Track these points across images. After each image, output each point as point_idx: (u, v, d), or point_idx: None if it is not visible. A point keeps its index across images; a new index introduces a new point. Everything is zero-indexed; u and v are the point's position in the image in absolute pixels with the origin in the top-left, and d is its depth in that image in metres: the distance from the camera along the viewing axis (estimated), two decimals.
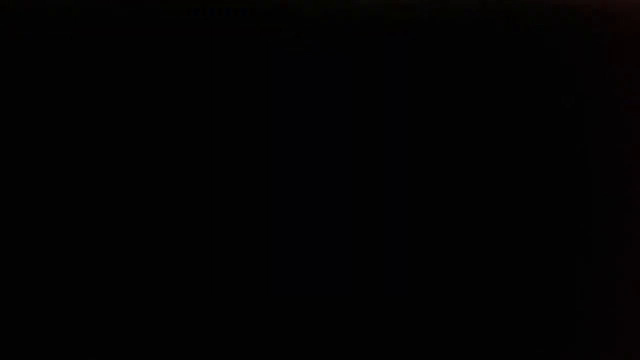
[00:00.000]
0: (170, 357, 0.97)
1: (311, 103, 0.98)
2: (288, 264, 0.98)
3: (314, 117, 0.98)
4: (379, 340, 0.98)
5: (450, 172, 0.99)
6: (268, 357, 0.97)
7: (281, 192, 0.98)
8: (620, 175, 1.00)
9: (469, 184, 0.99)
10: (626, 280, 1.00)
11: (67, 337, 0.97)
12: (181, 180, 0.98)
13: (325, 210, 0.98)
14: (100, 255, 0.97)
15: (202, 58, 0.98)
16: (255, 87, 0.98)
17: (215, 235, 0.98)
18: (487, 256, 0.99)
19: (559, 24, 1.00)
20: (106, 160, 0.97)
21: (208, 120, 0.98)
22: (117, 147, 0.97)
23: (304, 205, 0.98)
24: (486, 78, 0.99)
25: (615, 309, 1.00)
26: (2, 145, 0.97)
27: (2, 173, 0.97)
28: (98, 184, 0.97)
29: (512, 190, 0.99)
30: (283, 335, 0.97)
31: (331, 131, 0.98)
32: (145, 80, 0.97)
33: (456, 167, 0.99)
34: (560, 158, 1.00)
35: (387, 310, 0.98)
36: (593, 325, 1.00)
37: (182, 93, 0.98)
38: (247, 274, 0.97)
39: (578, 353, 0.99)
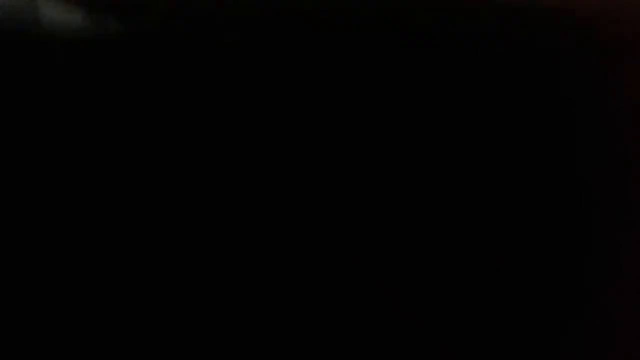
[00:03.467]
0: (170, 357, 0.97)
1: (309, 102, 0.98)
2: (287, 263, 0.98)
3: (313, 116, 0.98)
4: (378, 340, 0.98)
5: (450, 171, 0.99)
6: (268, 357, 0.97)
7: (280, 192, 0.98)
8: (620, 176, 1.00)
9: (468, 184, 0.99)
10: (626, 280, 1.00)
11: (67, 337, 0.97)
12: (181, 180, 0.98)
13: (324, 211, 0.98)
14: (100, 256, 0.97)
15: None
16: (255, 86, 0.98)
17: (214, 235, 0.98)
18: (487, 257, 0.99)
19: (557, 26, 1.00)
20: (106, 160, 0.98)
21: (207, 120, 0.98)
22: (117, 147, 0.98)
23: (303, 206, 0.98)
24: (487, 78, 0.99)
25: (615, 309, 1.00)
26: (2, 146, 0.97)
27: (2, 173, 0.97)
28: (98, 183, 0.98)
29: (510, 190, 0.99)
30: (282, 335, 0.98)
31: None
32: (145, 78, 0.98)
33: (457, 167, 0.99)
34: (559, 159, 1.00)
35: (385, 311, 0.98)
36: (593, 325, 1.00)
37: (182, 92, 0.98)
38: (247, 274, 0.98)
39: (578, 353, 0.99)
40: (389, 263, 0.98)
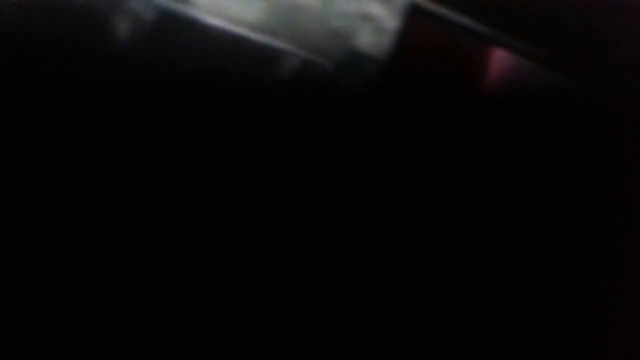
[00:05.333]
0: (170, 357, 0.97)
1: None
2: (287, 263, 0.98)
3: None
4: (377, 340, 0.98)
5: (450, 172, 0.99)
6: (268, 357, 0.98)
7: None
8: (620, 176, 1.00)
9: (467, 183, 0.99)
10: (626, 280, 1.00)
11: (67, 337, 0.97)
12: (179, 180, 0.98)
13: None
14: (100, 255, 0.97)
15: None
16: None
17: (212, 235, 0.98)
18: (488, 257, 0.99)
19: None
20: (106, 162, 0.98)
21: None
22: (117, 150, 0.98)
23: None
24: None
25: (615, 309, 1.00)
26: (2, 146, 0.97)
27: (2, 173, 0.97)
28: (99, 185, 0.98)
29: (510, 190, 0.99)
30: (282, 336, 0.98)
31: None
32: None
33: (457, 168, 0.99)
34: (559, 159, 1.00)
35: (384, 313, 0.98)
36: (593, 325, 1.00)
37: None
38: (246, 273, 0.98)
39: (578, 353, 1.00)
40: (391, 263, 0.98)
